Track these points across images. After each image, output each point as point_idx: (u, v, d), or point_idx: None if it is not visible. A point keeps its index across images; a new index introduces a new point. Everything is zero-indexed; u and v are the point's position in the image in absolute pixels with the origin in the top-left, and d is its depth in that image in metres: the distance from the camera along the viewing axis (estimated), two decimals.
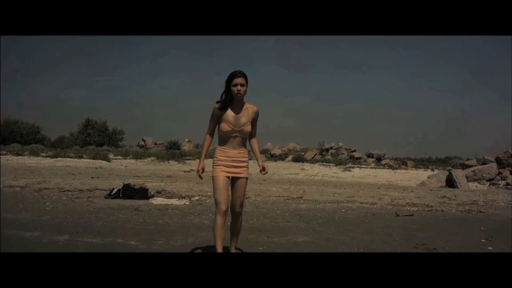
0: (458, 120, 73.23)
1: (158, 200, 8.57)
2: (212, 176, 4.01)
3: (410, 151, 78.48)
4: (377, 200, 9.93)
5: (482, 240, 5.62)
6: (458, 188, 14.97)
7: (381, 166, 27.74)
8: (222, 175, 3.99)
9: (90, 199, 8.66)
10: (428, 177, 18.00)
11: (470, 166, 20.46)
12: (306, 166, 25.84)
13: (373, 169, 25.57)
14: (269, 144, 33.92)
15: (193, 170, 19.43)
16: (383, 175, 23.01)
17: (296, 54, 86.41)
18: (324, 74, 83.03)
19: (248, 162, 4.13)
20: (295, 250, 4.86)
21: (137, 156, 26.39)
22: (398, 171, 25.31)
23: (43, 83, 69.49)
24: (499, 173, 18.63)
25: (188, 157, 26.86)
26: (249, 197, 9.39)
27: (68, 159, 23.65)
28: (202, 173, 4.07)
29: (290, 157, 29.42)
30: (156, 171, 19.81)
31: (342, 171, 24.09)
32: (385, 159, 32.48)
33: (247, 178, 4.12)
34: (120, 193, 8.95)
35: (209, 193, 8.90)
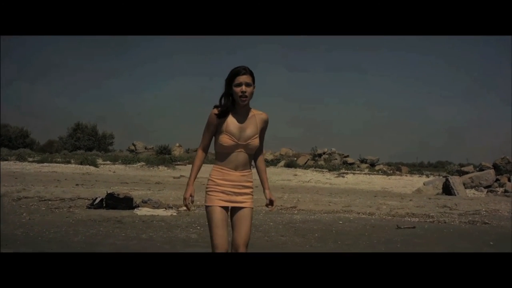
0: (460, 128, 72.45)
1: (143, 211, 8.07)
2: (206, 207, 3.00)
3: (402, 155, 77.74)
4: (375, 210, 9.51)
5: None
6: (455, 195, 14.62)
7: (375, 172, 27.38)
8: (219, 204, 2.98)
9: (71, 210, 8.14)
10: (424, 184, 17.62)
11: (467, 173, 20.08)
12: (299, 172, 25.37)
13: (367, 175, 25.15)
14: None
15: (183, 176, 18.93)
16: (378, 181, 22.59)
17: (293, 56, 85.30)
18: (319, 76, 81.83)
19: (253, 188, 3.09)
20: None
21: (126, 161, 25.72)
22: (392, 177, 24.93)
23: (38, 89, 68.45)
24: (497, 179, 18.29)
25: (178, 162, 26.29)
26: None
27: (55, 164, 22.92)
28: (191, 202, 3.00)
29: (282, 163, 28.95)
30: (145, 177, 19.24)
31: (335, 177, 23.65)
32: (379, 164, 32.21)
33: (252, 208, 3.07)
34: (104, 202, 8.44)
35: (198, 203, 8.38)
